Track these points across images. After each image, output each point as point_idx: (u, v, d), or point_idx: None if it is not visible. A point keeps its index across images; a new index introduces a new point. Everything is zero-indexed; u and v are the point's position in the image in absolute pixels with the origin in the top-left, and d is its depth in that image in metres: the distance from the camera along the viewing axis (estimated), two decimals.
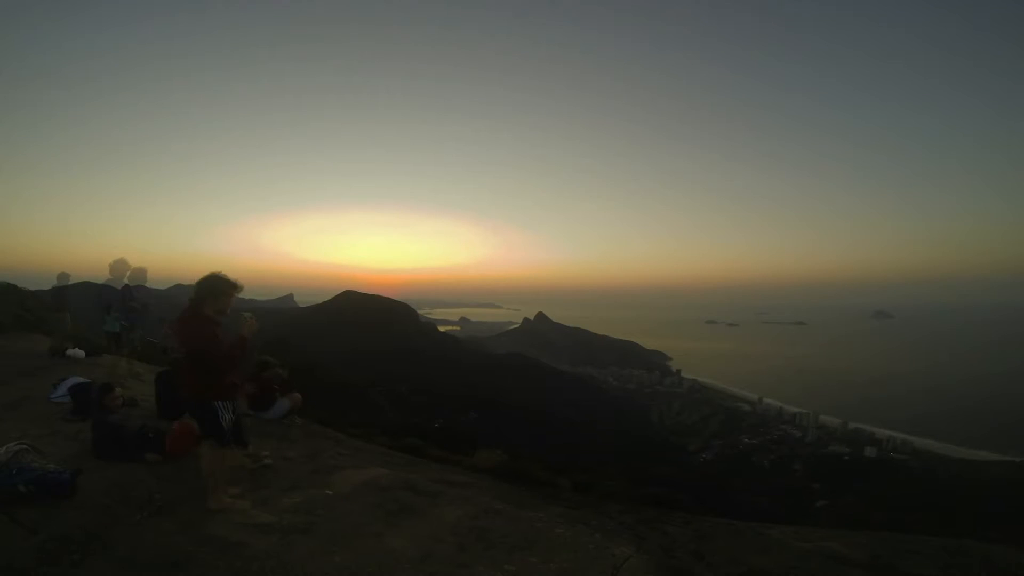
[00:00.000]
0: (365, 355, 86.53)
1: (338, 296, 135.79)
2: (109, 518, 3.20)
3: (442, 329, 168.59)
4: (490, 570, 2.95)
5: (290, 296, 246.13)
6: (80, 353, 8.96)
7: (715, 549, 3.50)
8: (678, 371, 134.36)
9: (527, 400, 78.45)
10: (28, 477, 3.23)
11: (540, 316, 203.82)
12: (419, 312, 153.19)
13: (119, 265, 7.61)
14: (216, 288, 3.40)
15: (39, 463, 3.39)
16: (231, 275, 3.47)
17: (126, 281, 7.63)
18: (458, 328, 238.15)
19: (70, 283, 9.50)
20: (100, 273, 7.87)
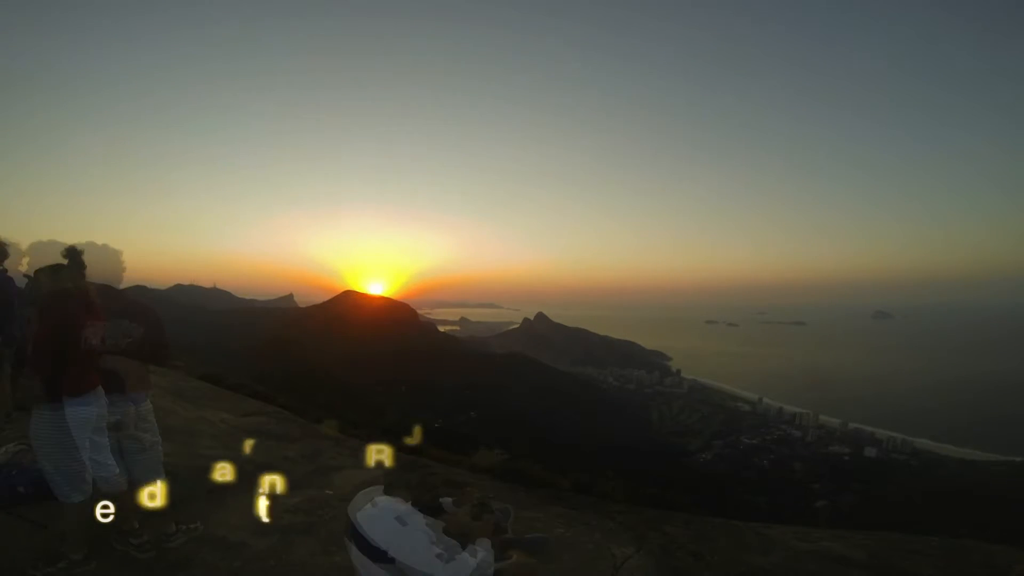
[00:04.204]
0: (365, 355, 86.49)
1: (338, 296, 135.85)
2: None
3: (442, 329, 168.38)
4: None
5: (290, 296, 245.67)
6: None
7: (715, 549, 3.50)
8: (678, 371, 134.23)
9: (527, 400, 78.50)
10: (28, 478, 3.23)
11: (540, 316, 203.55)
12: (419, 312, 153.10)
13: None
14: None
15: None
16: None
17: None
18: (458, 328, 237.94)
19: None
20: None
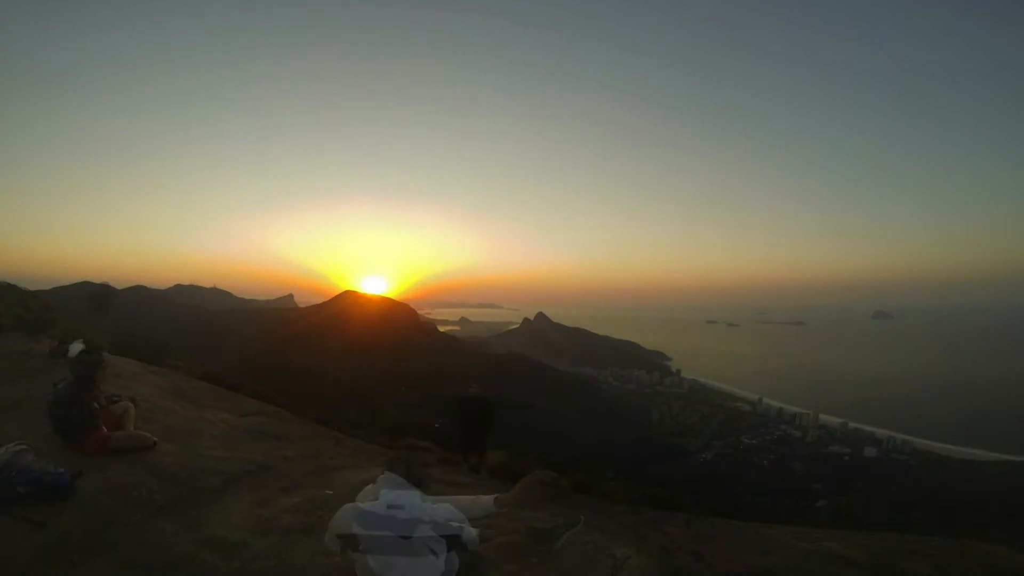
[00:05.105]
0: (365, 355, 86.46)
1: (338, 296, 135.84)
2: (109, 518, 3.20)
3: (442, 329, 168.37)
4: (490, 570, 2.95)
5: (290, 296, 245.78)
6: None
7: (715, 549, 3.49)
8: (678, 371, 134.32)
9: (527, 400, 78.45)
10: (27, 478, 3.22)
11: (540, 316, 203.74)
12: (419, 312, 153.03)
13: None
14: None
15: (39, 464, 3.39)
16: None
17: None
18: (458, 328, 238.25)
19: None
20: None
